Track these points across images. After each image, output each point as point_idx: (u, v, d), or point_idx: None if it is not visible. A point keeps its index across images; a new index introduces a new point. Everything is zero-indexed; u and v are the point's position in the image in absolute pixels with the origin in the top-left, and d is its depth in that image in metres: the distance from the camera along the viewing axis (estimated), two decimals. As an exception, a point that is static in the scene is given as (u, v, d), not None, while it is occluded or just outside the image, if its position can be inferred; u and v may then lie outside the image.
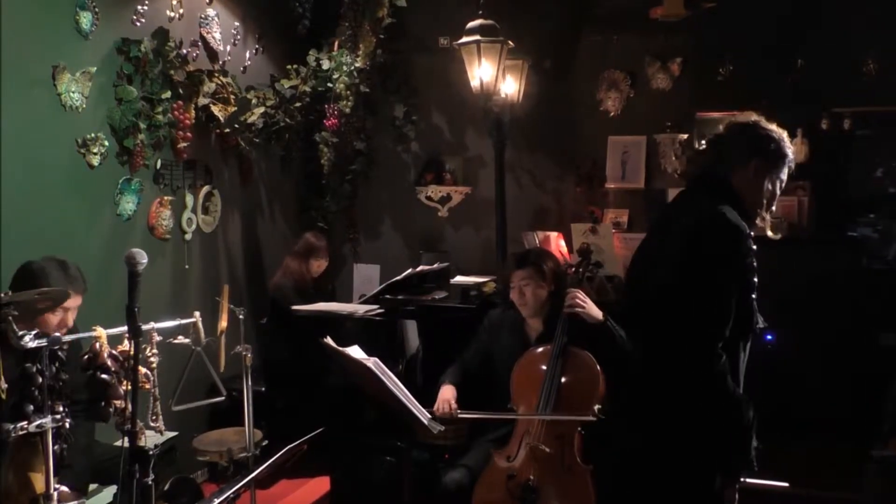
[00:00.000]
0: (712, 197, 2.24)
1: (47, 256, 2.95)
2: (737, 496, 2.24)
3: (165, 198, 4.17)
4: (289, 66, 4.95)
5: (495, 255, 4.62)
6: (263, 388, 4.46)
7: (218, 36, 4.55)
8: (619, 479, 2.47)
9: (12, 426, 2.34)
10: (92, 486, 3.08)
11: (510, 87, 4.58)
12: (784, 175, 2.33)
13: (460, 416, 3.20)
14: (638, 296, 2.45)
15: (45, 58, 3.45)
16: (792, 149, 2.34)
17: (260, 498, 3.73)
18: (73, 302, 2.90)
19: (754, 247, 2.18)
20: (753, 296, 2.17)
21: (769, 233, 2.30)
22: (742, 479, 2.24)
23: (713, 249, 2.15)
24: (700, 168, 2.43)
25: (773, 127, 2.32)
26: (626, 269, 2.91)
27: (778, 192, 2.33)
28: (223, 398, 3.16)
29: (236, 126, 4.54)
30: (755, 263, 2.18)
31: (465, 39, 4.19)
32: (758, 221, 2.33)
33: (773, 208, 2.35)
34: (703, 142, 2.50)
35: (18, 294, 2.61)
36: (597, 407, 2.93)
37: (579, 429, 2.98)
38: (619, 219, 4.93)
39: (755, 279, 2.17)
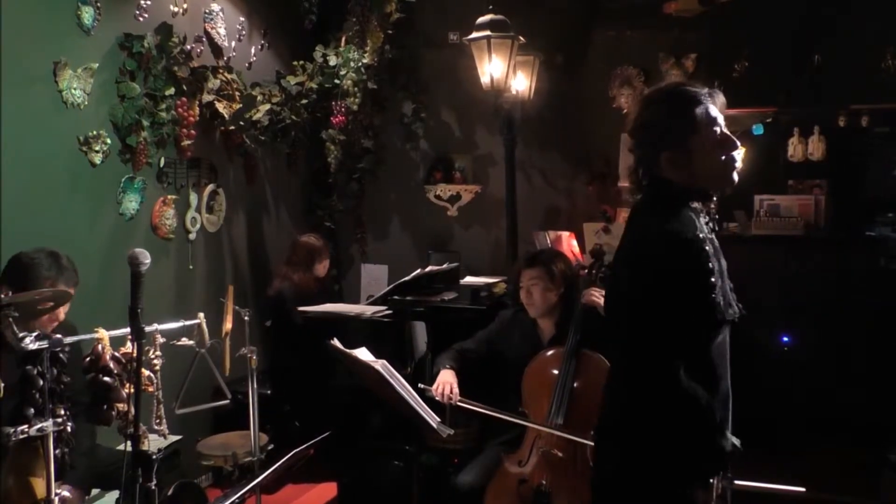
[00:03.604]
0: (650, 210, 2.02)
1: (38, 248, 2.90)
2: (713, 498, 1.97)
3: (169, 197, 4.13)
4: (295, 63, 4.90)
5: (506, 255, 4.57)
6: (269, 391, 4.42)
7: (222, 31, 4.50)
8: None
9: (13, 430, 2.33)
10: (94, 491, 3.05)
11: (521, 83, 4.53)
12: (712, 111, 1.98)
13: (459, 403, 3.13)
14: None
15: (46, 54, 3.41)
16: (692, 88, 2.00)
17: (265, 503, 3.69)
18: None
19: (706, 247, 1.92)
20: (713, 294, 1.92)
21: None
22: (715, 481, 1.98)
23: (641, 274, 1.94)
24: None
25: (654, 91, 2.04)
26: None
27: (720, 133, 1.98)
28: (228, 401, 3.13)
29: (241, 123, 4.51)
30: (709, 260, 1.92)
31: (475, 35, 4.15)
32: (726, 187, 2.04)
33: (739, 155, 2.01)
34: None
35: (19, 295, 2.58)
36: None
37: (592, 433, 2.92)
38: (633, 218, 4.87)
39: (712, 279, 1.92)
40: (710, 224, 2.05)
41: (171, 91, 4.00)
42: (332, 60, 4.81)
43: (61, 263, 2.87)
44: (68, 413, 2.49)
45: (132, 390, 2.38)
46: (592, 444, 2.85)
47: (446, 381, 3.17)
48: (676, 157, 1.97)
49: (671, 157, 1.97)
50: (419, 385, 3.10)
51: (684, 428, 1.93)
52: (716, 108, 2.01)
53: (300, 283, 4.55)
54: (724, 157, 2.00)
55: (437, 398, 3.12)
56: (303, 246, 4.65)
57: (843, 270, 4.33)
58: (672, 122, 1.99)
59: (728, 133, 2.01)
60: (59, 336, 2.46)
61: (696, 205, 2.01)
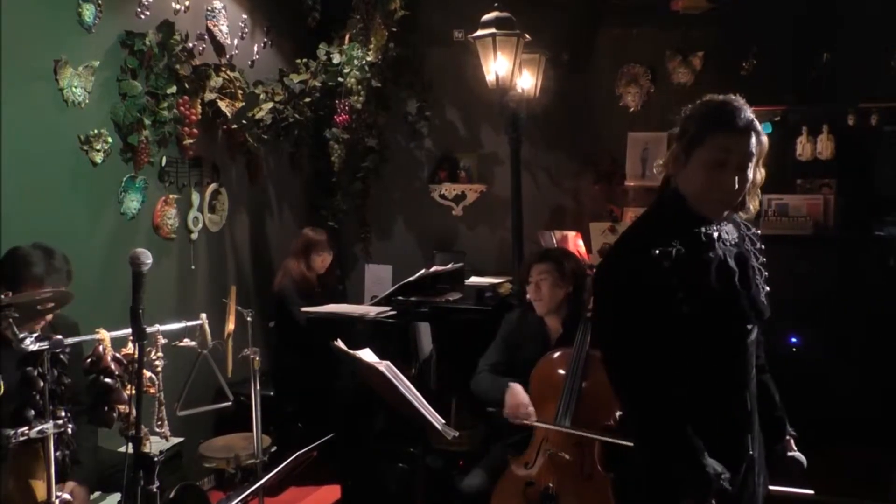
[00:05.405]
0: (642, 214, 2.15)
1: (36, 243, 2.88)
2: None
3: (171, 196, 4.11)
4: (298, 61, 4.87)
5: (511, 255, 4.52)
6: (272, 393, 4.40)
7: (225, 29, 4.47)
8: None
9: (13, 432, 2.32)
10: (95, 494, 3.03)
11: (527, 81, 4.49)
12: (726, 140, 1.93)
13: (535, 423, 3.00)
14: None
15: (47, 52, 3.39)
16: (727, 114, 1.95)
17: (268, 506, 3.67)
18: None
19: (666, 263, 1.89)
20: (674, 308, 1.89)
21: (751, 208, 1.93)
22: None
23: (603, 283, 2.05)
24: None
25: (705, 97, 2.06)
26: None
27: (721, 161, 1.94)
28: (230, 403, 3.10)
29: (244, 122, 4.50)
30: (662, 275, 1.89)
31: (480, 33, 4.11)
32: (742, 213, 2.04)
33: (731, 188, 1.95)
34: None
35: (19, 296, 2.57)
36: (618, 413, 2.85)
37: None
38: (640, 218, 4.84)
39: (679, 294, 1.89)
40: (713, 234, 1.99)
41: (173, 89, 3.98)
42: (336, 58, 4.79)
43: (54, 262, 2.84)
44: (69, 415, 2.48)
45: (133, 392, 2.36)
46: (601, 439, 2.84)
47: (523, 404, 3.01)
48: (675, 159, 2.02)
49: (674, 154, 2.02)
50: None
51: (654, 433, 1.95)
52: (741, 140, 1.94)
53: (298, 278, 4.55)
54: (713, 183, 1.95)
55: (512, 420, 3.02)
56: (302, 235, 4.70)
57: (852, 270, 4.29)
58: (687, 127, 2.01)
59: (731, 166, 1.94)
60: (59, 337, 2.46)
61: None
